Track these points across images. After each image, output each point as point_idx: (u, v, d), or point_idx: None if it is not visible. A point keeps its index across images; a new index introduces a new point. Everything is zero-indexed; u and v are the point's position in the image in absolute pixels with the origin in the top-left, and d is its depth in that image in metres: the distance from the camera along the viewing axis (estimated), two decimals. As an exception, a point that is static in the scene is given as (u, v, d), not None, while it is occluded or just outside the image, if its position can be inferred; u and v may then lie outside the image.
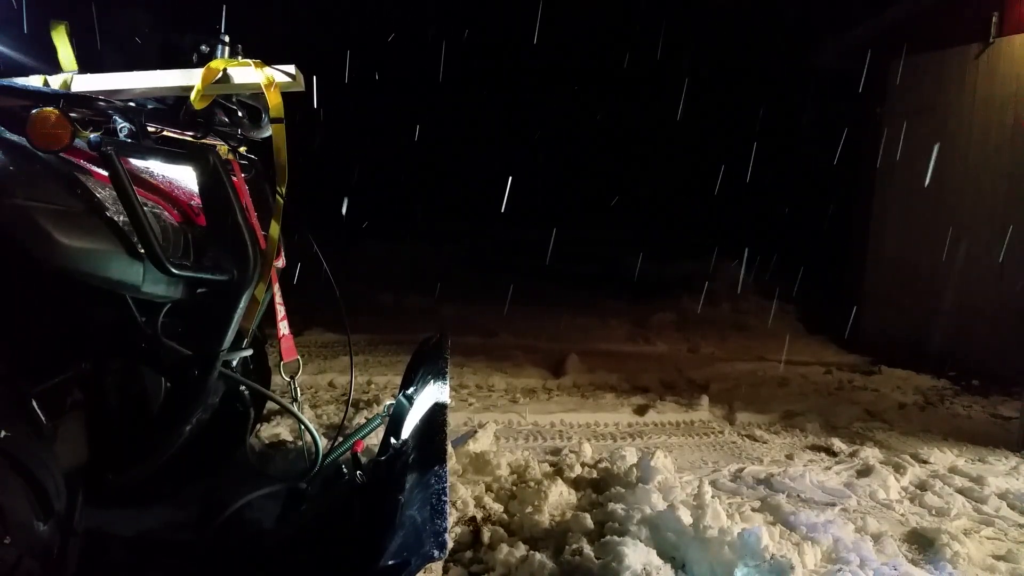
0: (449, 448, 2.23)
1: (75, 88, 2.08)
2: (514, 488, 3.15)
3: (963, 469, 3.83)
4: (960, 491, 3.52)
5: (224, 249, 2.06)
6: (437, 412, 2.15)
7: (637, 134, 14.30)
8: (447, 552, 1.42)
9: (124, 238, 1.83)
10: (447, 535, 1.47)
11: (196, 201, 2.12)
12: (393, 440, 2.28)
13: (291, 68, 2.07)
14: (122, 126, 1.90)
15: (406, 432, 2.24)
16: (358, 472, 2.15)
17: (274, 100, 2.04)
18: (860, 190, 7.86)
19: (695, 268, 9.92)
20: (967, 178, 6.54)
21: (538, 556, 2.51)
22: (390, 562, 1.49)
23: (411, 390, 2.54)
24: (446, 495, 1.64)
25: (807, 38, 8.88)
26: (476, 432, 3.64)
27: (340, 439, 2.68)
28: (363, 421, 3.37)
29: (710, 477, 3.56)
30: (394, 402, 2.56)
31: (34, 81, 2.11)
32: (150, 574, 2.23)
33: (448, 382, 2.41)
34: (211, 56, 2.15)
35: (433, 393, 2.35)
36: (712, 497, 2.93)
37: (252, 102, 2.29)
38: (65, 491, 1.72)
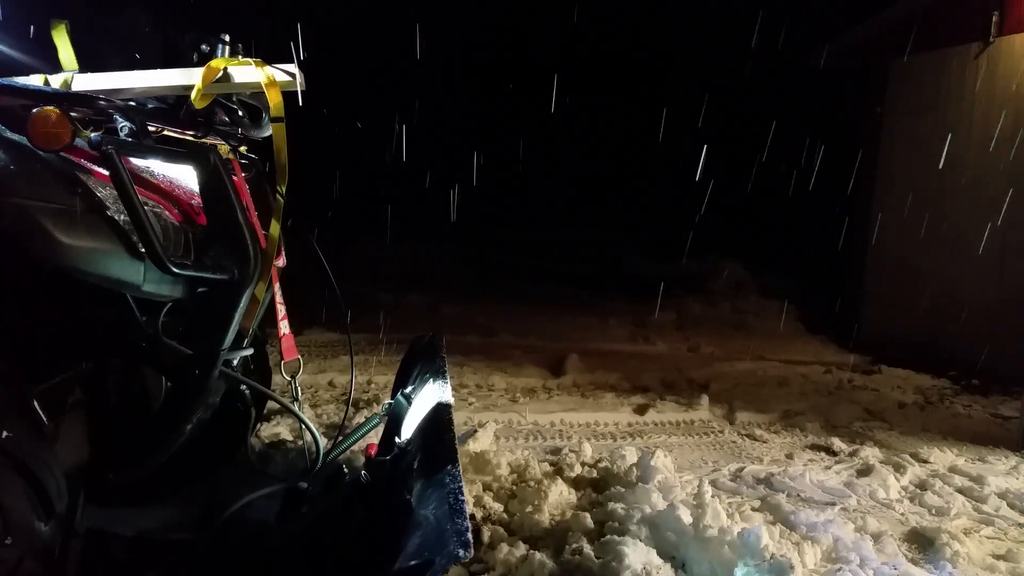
0: (453, 446, 2.23)
1: (75, 87, 2.08)
2: (514, 487, 3.16)
3: (963, 468, 3.83)
4: (960, 490, 3.52)
5: (225, 248, 2.06)
6: (442, 411, 2.15)
7: (637, 134, 14.29)
8: (472, 551, 1.41)
9: (125, 237, 1.83)
10: (470, 534, 1.46)
11: (197, 200, 2.12)
12: (396, 439, 2.28)
13: (292, 67, 2.07)
14: (123, 125, 1.90)
15: (409, 431, 2.24)
16: (363, 472, 2.14)
17: (274, 99, 2.04)
18: (860, 190, 7.87)
19: (695, 268, 9.93)
20: (967, 177, 6.55)
21: (538, 555, 2.51)
22: (412, 562, 1.48)
23: (409, 389, 2.55)
24: (463, 494, 1.63)
25: (807, 38, 8.88)
26: (476, 431, 3.64)
27: (340, 438, 2.68)
28: (363, 420, 3.36)
29: (710, 476, 3.56)
30: (392, 401, 2.56)
31: (35, 80, 2.11)
32: (150, 574, 2.23)
33: (448, 381, 2.41)
34: (211, 55, 2.15)
35: (434, 392, 2.35)
36: (712, 496, 2.93)
37: (253, 101, 2.29)
38: (66, 491, 1.72)
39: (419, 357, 2.85)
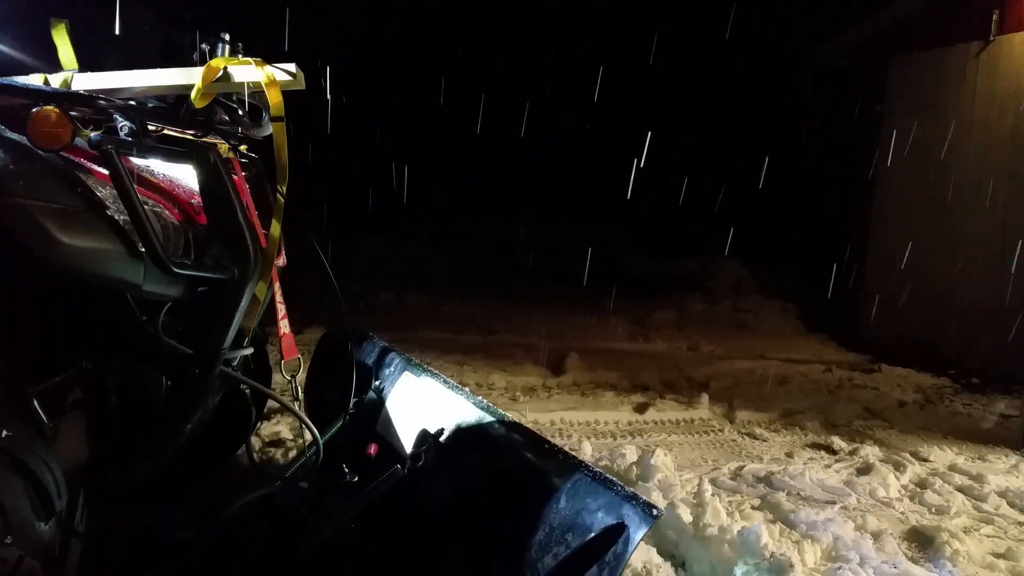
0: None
1: (75, 87, 2.08)
2: (514, 487, 3.15)
3: (963, 467, 3.83)
4: (960, 489, 3.52)
5: (225, 248, 2.05)
6: (477, 401, 2.18)
7: (637, 133, 14.29)
8: (664, 510, 1.49)
9: (125, 237, 1.82)
10: (641, 496, 1.55)
11: (197, 200, 2.11)
12: (406, 433, 2.29)
13: (292, 66, 2.06)
14: (123, 125, 1.90)
15: (426, 424, 2.23)
16: (397, 466, 2.15)
17: (275, 98, 2.03)
18: (860, 188, 7.87)
19: (695, 267, 9.94)
20: (967, 176, 6.55)
21: (539, 554, 2.50)
22: (590, 536, 1.54)
23: (377, 383, 2.56)
24: (591, 467, 1.71)
25: (807, 36, 8.88)
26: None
27: (329, 435, 2.65)
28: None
29: (710, 475, 3.56)
30: (356, 399, 2.56)
31: (34, 80, 2.11)
32: (150, 574, 2.23)
33: (430, 370, 2.43)
34: (211, 54, 2.15)
35: (432, 384, 2.37)
36: (712, 495, 2.92)
37: (253, 100, 2.29)
38: (66, 491, 1.72)
39: (352, 351, 2.81)
